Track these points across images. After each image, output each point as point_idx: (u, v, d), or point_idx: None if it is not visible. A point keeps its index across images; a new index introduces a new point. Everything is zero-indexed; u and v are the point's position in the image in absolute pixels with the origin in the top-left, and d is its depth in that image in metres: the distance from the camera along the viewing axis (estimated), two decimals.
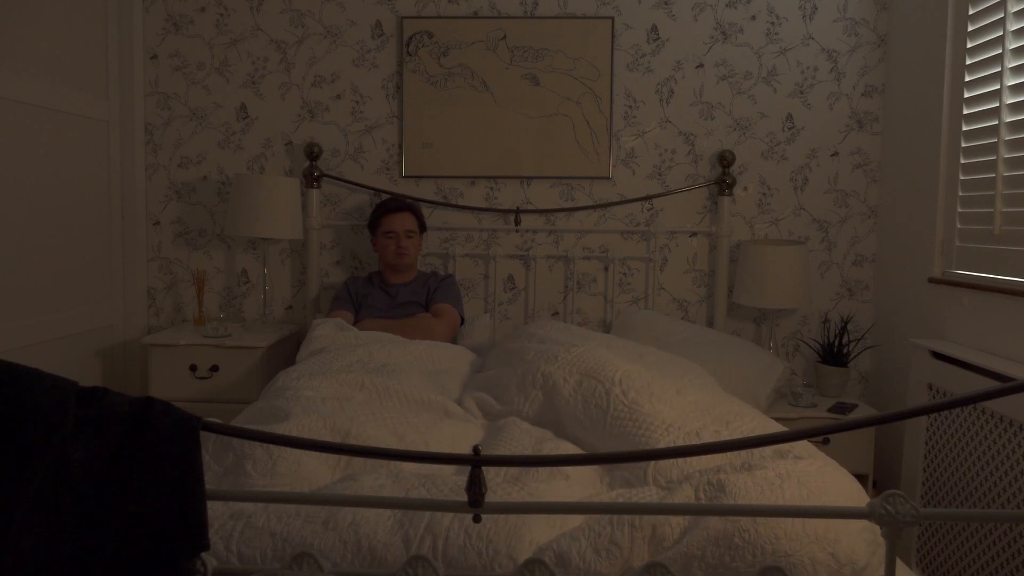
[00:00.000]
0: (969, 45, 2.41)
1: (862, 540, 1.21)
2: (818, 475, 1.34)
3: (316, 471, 1.51)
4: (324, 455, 1.52)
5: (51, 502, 0.95)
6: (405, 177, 3.15)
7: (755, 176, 3.12)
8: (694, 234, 3.14)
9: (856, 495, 1.38)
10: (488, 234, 3.16)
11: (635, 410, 1.68)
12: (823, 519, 1.20)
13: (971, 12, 2.40)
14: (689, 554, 1.19)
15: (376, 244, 2.88)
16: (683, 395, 1.78)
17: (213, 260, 3.21)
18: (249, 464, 1.48)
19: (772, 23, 3.07)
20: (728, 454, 1.52)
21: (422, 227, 2.91)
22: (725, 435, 1.60)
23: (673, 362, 2.21)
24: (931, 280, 2.54)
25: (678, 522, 1.23)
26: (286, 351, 2.98)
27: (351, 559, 1.20)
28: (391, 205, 2.85)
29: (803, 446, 1.61)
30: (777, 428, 1.76)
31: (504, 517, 1.24)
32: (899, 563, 1.28)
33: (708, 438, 1.57)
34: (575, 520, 1.28)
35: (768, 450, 1.51)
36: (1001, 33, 2.23)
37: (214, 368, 2.76)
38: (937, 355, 2.26)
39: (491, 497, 1.08)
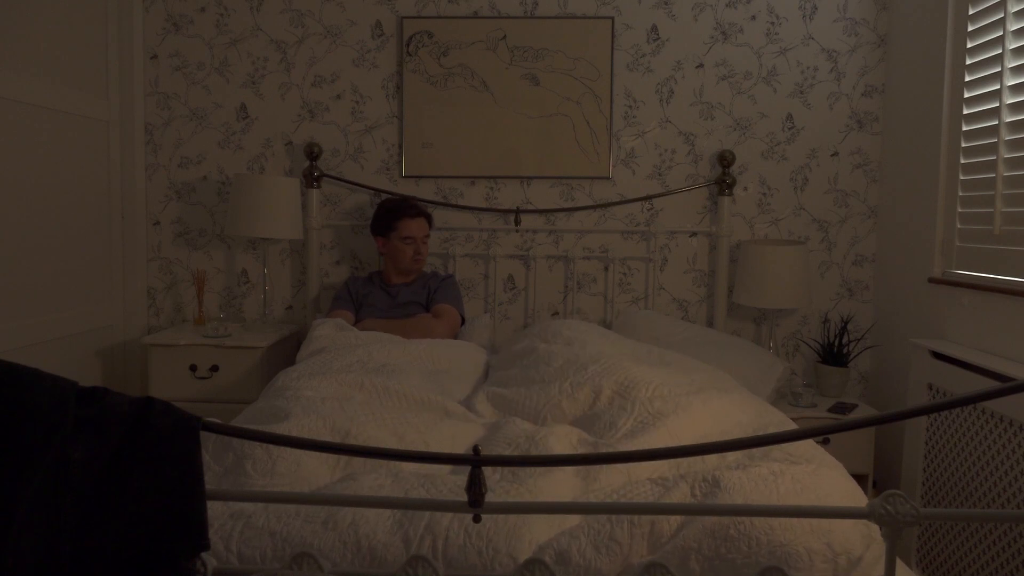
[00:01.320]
0: (969, 45, 2.40)
1: (856, 532, 1.21)
2: (812, 473, 1.35)
3: (316, 471, 1.51)
4: (324, 455, 1.52)
5: (51, 502, 0.95)
6: (405, 177, 3.15)
7: (755, 176, 3.12)
8: (694, 234, 3.14)
9: (852, 491, 1.38)
10: (488, 234, 3.16)
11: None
12: None
13: (971, 12, 2.40)
14: (686, 547, 1.19)
15: (386, 246, 2.86)
16: (707, 405, 1.83)
17: (213, 260, 3.21)
18: (249, 464, 1.48)
19: (772, 23, 3.07)
20: (726, 456, 1.52)
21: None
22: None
23: (695, 367, 2.21)
24: (931, 280, 2.54)
25: (676, 517, 1.24)
26: (286, 351, 2.98)
27: (351, 559, 1.20)
28: (409, 211, 2.82)
29: (801, 450, 1.61)
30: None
31: (503, 516, 1.24)
32: (899, 563, 1.28)
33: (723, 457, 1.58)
34: (574, 517, 1.28)
35: (764, 455, 1.52)
36: (1001, 33, 2.23)
37: (214, 368, 2.76)
38: (937, 355, 2.26)
39: (491, 497, 1.09)
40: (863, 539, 1.21)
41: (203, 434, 1.04)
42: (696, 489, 1.32)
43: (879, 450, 2.79)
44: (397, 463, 1.51)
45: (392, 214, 2.82)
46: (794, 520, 1.19)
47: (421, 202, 2.99)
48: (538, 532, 1.25)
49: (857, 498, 1.36)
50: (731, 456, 1.54)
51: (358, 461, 1.53)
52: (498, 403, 2.03)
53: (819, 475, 1.35)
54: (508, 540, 1.21)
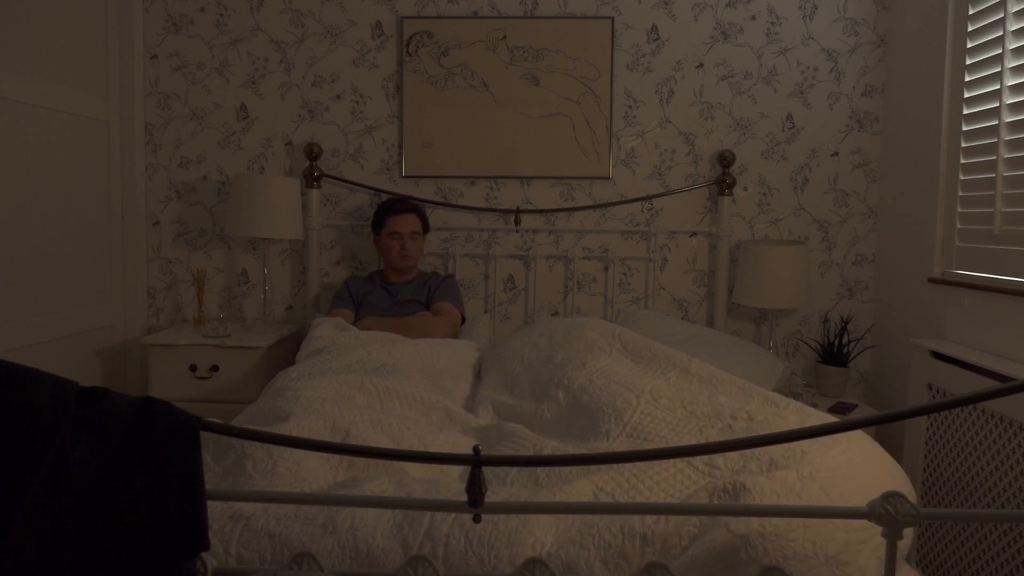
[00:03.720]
0: (969, 45, 2.40)
1: (875, 558, 1.17)
2: (842, 471, 1.31)
3: (316, 472, 1.50)
4: (325, 456, 1.52)
5: (51, 502, 0.95)
6: (405, 177, 3.14)
7: (755, 176, 3.12)
8: (694, 234, 3.14)
9: (887, 480, 1.34)
10: (488, 234, 3.15)
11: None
12: (835, 537, 1.17)
13: (971, 12, 2.40)
14: (693, 566, 1.17)
15: (379, 243, 2.88)
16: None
17: (213, 260, 3.21)
18: (249, 464, 1.48)
19: (772, 23, 3.07)
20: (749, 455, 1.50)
21: (425, 228, 2.92)
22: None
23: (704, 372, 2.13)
24: (931, 280, 2.54)
25: (687, 531, 1.22)
26: (286, 351, 2.98)
27: (349, 564, 1.20)
28: (397, 206, 2.85)
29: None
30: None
31: (505, 523, 1.23)
32: (899, 562, 1.27)
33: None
34: (576, 521, 1.26)
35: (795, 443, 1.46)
36: (1001, 33, 2.23)
37: (214, 368, 2.76)
38: (937, 355, 2.26)
39: (496, 497, 1.08)
40: (879, 562, 1.18)
41: (203, 434, 1.04)
42: (715, 499, 1.29)
43: None
44: (400, 469, 1.51)
45: (382, 211, 2.86)
46: (809, 551, 1.15)
47: (420, 201, 2.99)
48: (542, 537, 1.23)
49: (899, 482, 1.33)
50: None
51: (360, 464, 1.53)
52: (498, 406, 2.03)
53: (849, 471, 1.32)
54: (510, 546, 1.20)
